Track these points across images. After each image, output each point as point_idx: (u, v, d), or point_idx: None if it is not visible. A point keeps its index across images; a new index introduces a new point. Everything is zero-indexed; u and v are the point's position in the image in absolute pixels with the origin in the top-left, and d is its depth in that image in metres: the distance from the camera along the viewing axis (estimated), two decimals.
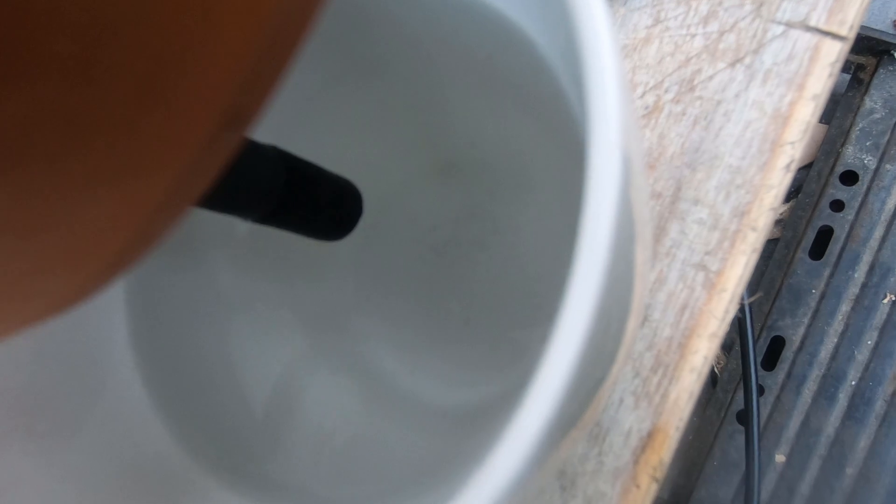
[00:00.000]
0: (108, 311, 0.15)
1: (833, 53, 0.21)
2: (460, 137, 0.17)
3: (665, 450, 0.21)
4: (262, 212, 0.13)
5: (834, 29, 0.21)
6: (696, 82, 0.22)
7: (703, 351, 0.21)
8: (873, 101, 0.76)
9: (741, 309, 0.75)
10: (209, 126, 0.07)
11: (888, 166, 0.74)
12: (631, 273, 0.12)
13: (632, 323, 0.12)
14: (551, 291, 0.19)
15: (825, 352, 0.78)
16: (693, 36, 0.23)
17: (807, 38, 0.21)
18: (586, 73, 0.08)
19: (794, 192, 0.84)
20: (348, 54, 0.15)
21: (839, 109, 0.79)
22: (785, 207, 0.83)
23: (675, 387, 0.21)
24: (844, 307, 0.78)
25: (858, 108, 0.76)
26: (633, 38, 0.23)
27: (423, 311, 0.20)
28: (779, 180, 0.21)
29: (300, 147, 0.14)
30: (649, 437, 0.21)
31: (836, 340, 0.77)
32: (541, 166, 0.18)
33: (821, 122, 0.84)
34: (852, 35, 0.21)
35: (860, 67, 0.79)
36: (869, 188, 0.75)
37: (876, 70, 0.76)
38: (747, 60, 0.22)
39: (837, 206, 0.76)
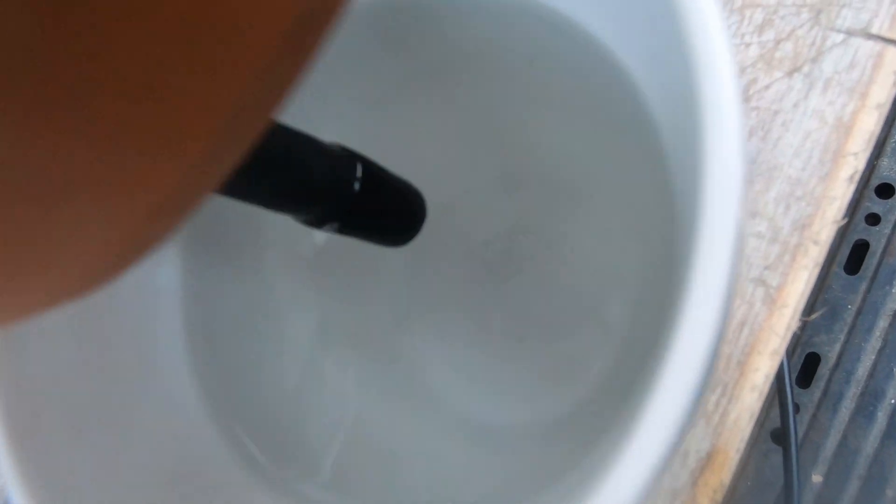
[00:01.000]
0: (165, 317, 0.15)
1: None
2: (522, 148, 0.16)
3: (725, 471, 0.20)
4: (342, 209, 0.12)
5: None
6: (751, 92, 0.22)
7: (765, 369, 0.20)
8: None
9: None
10: (239, 89, 0.07)
11: None
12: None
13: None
14: (605, 307, 0.19)
15: (863, 369, 0.77)
16: (748, 45, 0.22)
17: (869, 46, 0.21)
18: (705, 127, 0.08)
19: None
20: (414, 59, 0.15)
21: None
22: None
23: (736, 406, 0.20)
24: (882, 323, 0.76)
25: (894, 120, 0.75)
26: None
27: (475, 327, 0.20)
28: (842, 192, 0.20)
29: (362, 151, 0.13)
30: (708, 459, 0.21)
31: (873, 357, 0.75)
32: (602, 181, 0.17)
33: None
34: None
35: None
36: None
37: None
38: (806, 69, 0.21)
39: (873, 219, 0.75)
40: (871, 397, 0.76)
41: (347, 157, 0.12)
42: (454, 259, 0.20)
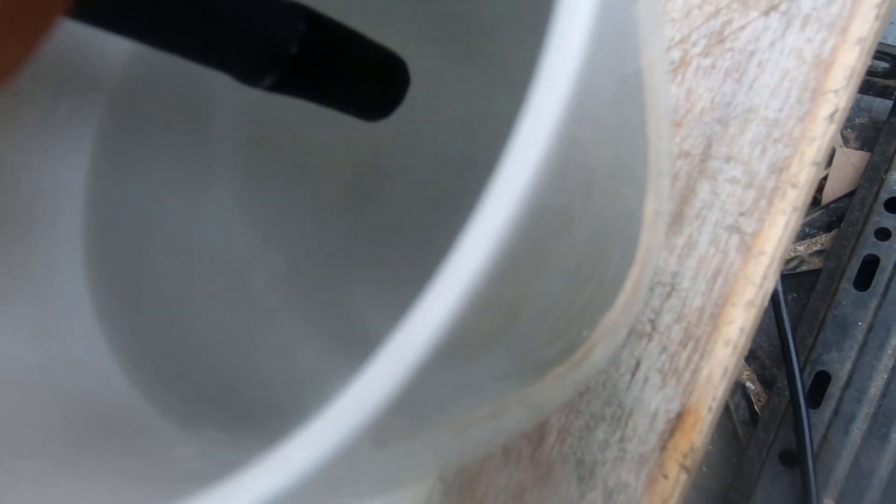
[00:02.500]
0: (66, 225, 0.13)
1: None
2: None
3: (696, 433, 0.18)
4: (277, 67, 0.11)
5: None
6: (726, 34, 0.21)
7: (739, 321, 0.19)
8: None
9: (785, 342, 0.71)
10: None
11: None
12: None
13: (645, 237, 0.10)
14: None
15: (875, 388, 0.74)
16: None
17: None
18: None
19: (836, 222, 0.80)
20: None
21: (882, 136, 0.76)
22: (827, 237, 0.80)
23: (708, 362, 0.19)
24: (894, 340, 0.73)
25: None
26: None
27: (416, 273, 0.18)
28: (822, 131, 0.19)
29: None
30: (678, 420, 0.19)
31: (886, 376, 0.72)
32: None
33: (863, 149, 0.81)
34: None
35: None
36: None
37: None
38: (783, 7, 0.20)
39: (883, 234, 0.73)
40: (884, 417, 0.72)
41: (290, 7, 0.11)
42: (402, 192, 0.19)
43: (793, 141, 0.19)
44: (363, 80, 0.13)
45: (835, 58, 0.19)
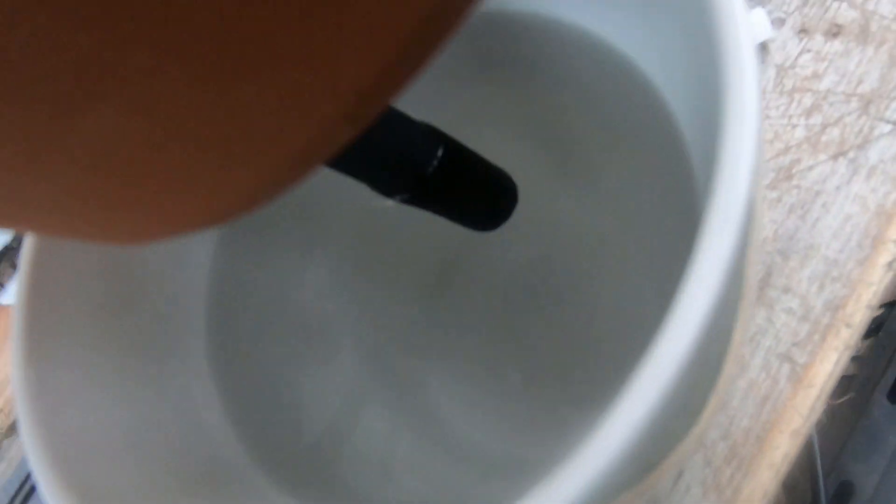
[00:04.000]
0: (191, 293, 0.15)
1: None
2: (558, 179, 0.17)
3: None
4: (414, 185, 0.13)
5: None
6: (794, 171, 0.22)
7: (784, 448, 0.20)
8: None
9: (810, 446, 0.70)
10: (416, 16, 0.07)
11: None
12: (733, 317, 0.11)
13: (728, 367, 0.12)
14: (621, 353, 0.18)
15: None
16: (794, 126, 0.23)
17: None
18: (725, 115, 0.08)
19: (874, 330, 0.79)
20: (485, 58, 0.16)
21: None
22: (865, 344, 0.79)
23: (750, 482, 0.20)
24: None
25: None
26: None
27: (487, 365, 0.20)
28: (879, 277, 0.20)
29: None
30: None
31: None
32: (635, 229, 0.17)
33: None
34: None
35: None
36: None
37: None
38: (851, 155, 0.21)
39: None
40: None
41: (432, 136, 0.13)
42: (479, 290, 0.20)
43: (850, 282, 0.20)
44: (482, 199, 0.14)
45: None
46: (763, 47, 0.24)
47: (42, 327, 0.12)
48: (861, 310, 0.20)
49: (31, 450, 0.11)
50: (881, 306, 0.82)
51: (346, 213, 0.18)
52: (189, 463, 0.13)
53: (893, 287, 0.72)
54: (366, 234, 0.19)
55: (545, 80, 0.15)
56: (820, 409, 0.20)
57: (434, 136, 0.13)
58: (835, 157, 0.22)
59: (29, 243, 0.12)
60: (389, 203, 0.14)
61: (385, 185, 0.13)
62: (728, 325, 0.09)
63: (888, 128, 0.21)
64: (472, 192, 0.14)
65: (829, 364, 0.20)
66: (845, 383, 0.79)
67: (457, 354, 0.20)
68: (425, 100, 0.13)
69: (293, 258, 0.17)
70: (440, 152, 0.13)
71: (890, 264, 0.20)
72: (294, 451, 0.15)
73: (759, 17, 0.23)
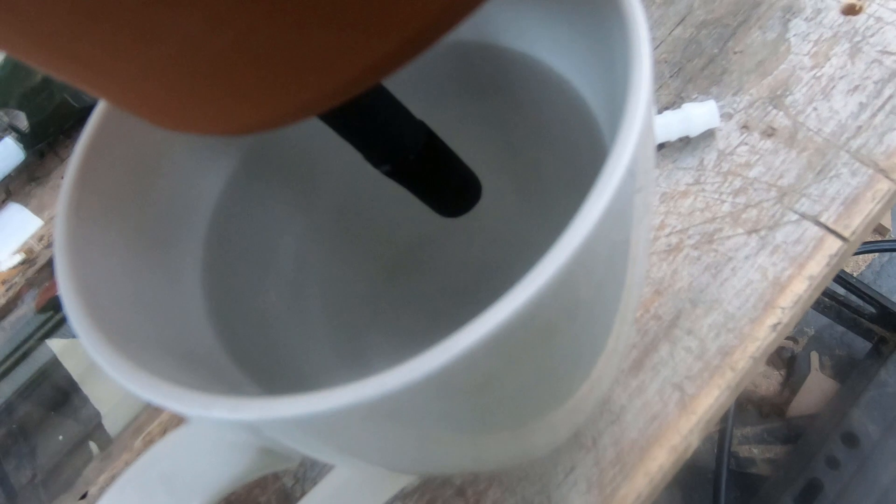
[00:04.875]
0: (195, 213, 0.18)
1: (834, 248, 0.25)
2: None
3: None
4: (397, 162, 0.16)
5: (839, 230, 0.25)
6: (715, 237, 0.26)
7: (660, 460, 0.23)
8: (889, 375, 0.78)
9: None
10: None
11: (891, 441, 0.74)
12: (624, 260, 0.14)
13: (625, 326, 0.15)
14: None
15: None
16: (723, 202, 0.27)
17: (815, 230, 0.25)
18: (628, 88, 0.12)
19: (794, 437, 0.84)
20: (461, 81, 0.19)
21: (855, 372, 0.80)
22: (782, 449, 0.83)
23: (627, 485, 0.23)
24: None
25: (873, 377, 0.78)
26: (673, 190, 0.28)
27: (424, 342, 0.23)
28: (764, 335, 0.24)
29: None
30: None
31: None
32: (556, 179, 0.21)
33: (836, 378, 0.86)
34: (854, 238, 0.25)
35: (882, 340, 0.81)
36: (868, 456, 0.75)
37: None
38: (762, 233, 0.26)
39: (833, 463, 0.76)
40: None
41: (421, 128, 0.16)
42: (431, 274, 0.24)
43: (741, 335, 0.24)
44: (450, 188, 0.18)
45: (789, 284, 0.24)
46: (711, 133, 0.28)
47: (85, 189, 0.15)
48: (745, 359, 0.24)
49: (62, 281, 0.14)
50: (803, 416, 0.86)
51: (336, 180, 0.21)
52: (173, 340, 0.16)
53: (819, 400, 0.76)
54: (348, 204, 0.22)
55: (495, 99, 0.20)
56: (697, 434, 0.23)
57: (423, 128, 0.17)
58: (749, 233, 0.26)
59: (93, 125, 0.16)
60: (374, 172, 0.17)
61: (375, 154, 0.16)
62: (623, 241, 0.13)
63: (795, 217, 0.26)
64: (443, 180, 0.18)
65: (711, 398, 0.23)
66: (758, 482, 0.82)
67: (401, 325, 0.23)
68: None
69: (286, 208, 0.21)
70: (424, 141, 0.17)
71: (775, 326, 0.24)
72: (262, 354, 0.18)
73: (711, 108, 0.28)
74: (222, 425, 0.13)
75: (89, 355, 0.13)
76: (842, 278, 0.75)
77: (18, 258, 0.41)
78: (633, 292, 0.16)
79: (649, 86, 0.11)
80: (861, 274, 0.92)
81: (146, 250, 0.17)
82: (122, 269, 0.15)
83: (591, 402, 0.21)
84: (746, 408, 0.87)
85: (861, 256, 0.92)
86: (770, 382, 0.87)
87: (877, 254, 0.91)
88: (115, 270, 0.15)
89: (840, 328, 0.83)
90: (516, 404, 0.14)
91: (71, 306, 0.13)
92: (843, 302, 0.79)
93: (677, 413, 0.24)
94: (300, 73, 0.10)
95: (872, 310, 0.79)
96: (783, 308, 0.24)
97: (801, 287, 0.24)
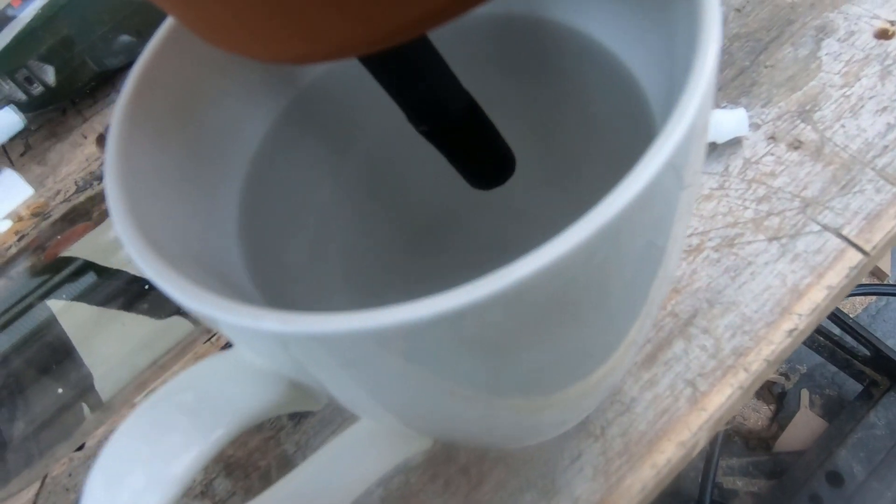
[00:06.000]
0: (234, 158, 0.18)
1: (854, 261, 0.25)
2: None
3: None
4: (436, 122, 0.16)
5: (861, 243, 0.25)
6: (736, 242, 0.26)
7: (668, 454, 0.23)
8: (878, 418, 0.78)
9: None
10: None
11: (875, 483, 0.74)
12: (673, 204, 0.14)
13: (665, 269, 0.15)
14: None
15: None
16: (746, 208, 0.27)
17: (836, 242, 0.25)
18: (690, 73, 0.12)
19: (778, 472, 0.83)
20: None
21: (844, 413, 0.81)
22: (766, 484, 0.83)
23: (633, 475, 0.23)
24: None
25: (862, 418, 0.78)
26: (698, 193, 0.28)
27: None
28: (779, 339, 0.24)
29: None
30: None
31: None
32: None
33: (824, 417, 0.86)
34: (875, 253, 0.25)
35: (874, 383, 0.81)
36: (852, 497, 0.74)
37: (888, 391, 0.78)
38: (783, 241, 0.26)
39: (816, 500, 0.76)
40: None
41: (464, 94, 0.16)
42: (457, 244, 0.24)
43: (757, 338, 0.24)
44: (485, 158, 0.18)
45: (807, 292, 0.25)
46: (737, 141, 0.29)
47: (137, 114, 0.15)
48: (759, 360, 0.24)
49: (112, 197, 0.14)
50: (790, 452, 0.86)
51: (370, 143, 0.22)
52: (212, 266, 0.16)
53: (807, 437, 0.76)
54: (379, 170, 0.22)
55: (539, 75, 0.20)
56: (707, 431, 0.23)
57: (466, 94, 0.17)
58: (770, 240, 0.26)
59: (145, 60, 0.16)
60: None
61: (416, 111, 0.16)
62: (663, 229, 0.13)
63: (817, 228, 0.26)
64: (479, 148, 0.18)
65: (723, 397, 0.23)
66: None
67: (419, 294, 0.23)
68: None
69: (319, 164, 0.21)
70: (466, 106, 0.17)
71: (791, 332, 0.24)
72: (285, 302, 0.18)
73: (741, 116, 0.28)
74: (261, 342, 0.13)
75: (142, 270, 0.13)
76: (838, 318, 0.76)
77: (6, 224, 0.41)
78: (660, 289, 0.16)
79: (711, 75, 0.11)
80: (857, 316, 0.92)
81: (192, 178, 0.17)
82: (168, 194, 0.15)
83: (604, 388, 0.21)
84: (733, 439, 0.87)
85: (858, 299, 0.93)
86: (759, 416, 0.87)
87: (874, 297, 0.91)
88: (162, 194, 0.15)
89: (832, 368, 0.84)
90: (529, 372, 0.14)
91: (122, 224, 0.13)
92: (837, 342, 0.80)
93: (688, 408, 0.24)
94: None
95: (866, 352, 0.79)
96: (800, 314, 0.24)
97: (819, 296, 0.24)
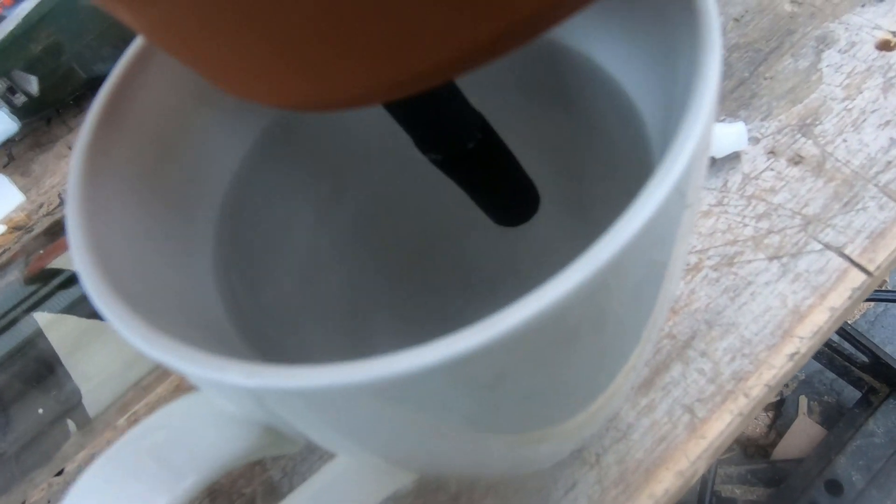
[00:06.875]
0: (212, 182, 0.18)
1: (857, 282, 0.24)
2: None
3: None
4: (449, 152, 0.15)
5: (864, 263, 0.24)
6: (735, 261, 0.26)
7: (666, 484, 0.22)
8: (877, 425, 0.77)
9: None
10: None
11: (874, 491, 0.73)
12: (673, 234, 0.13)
13: (661, 301, 0.14)
14: None
15: None
16: (745, 225, 0.26)
17: (839, 262, 0.24)
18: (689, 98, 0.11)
19: (777, 480, 0.83)
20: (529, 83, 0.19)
21: (843, 420, 0.80)
22: (765, 492, 0.82)
23: None
24: None
25: (861, 426, 0.78)
26: (699, 209, 0.27)
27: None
28: (781, 363, 0.23)
29: None
30: None
31: None
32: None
33: (823, 425, 0.85)
34: (878, 273, 0.24)
35: (872, 391, 0.81)
36: None
37: (887, 398, 0.78)
38: (784, 260, 0.25)
39: None
40: None
41: (478, 119, 0.15)
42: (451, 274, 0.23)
43: (757, 361, 0.23)
44: (505, 192, 0.16)
45: (809, 313, 0.24)
46: (736, 156, 0.28)
47: (102, 148, 0.14)
48: (760, 385, 0.23)
49: (73, 236, 0.13)
50: (788, 460, 0.85)
51: (359, 163, 0.21)
52: (183, 306, 0.15)
53: (806, 445, 0.76)
54: (369, 191, 0.21)
55: (543, 98, 0.19)
56: (706, 459, 0.22)
57: (482, 122, 0.15)
58: (770, 259, 0.25)
59: (112, 83, 0.15)
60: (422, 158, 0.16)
61: (427, 140, 0.15)
62: (663, 257, 0.12)
63: (819, 247, 0.25)
64: (497, 179, 0.16)
65: (722, 423, 0.23)
66: None
67: (415, 320, 0.22)
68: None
69: (302, 188, 0.20)
70: (479, 134, 0.15)
71: (792, 355, 0.23)
72: (270, 333, 0.17)
73: (740, 130, 0.27)
74: (231, 393, 0.12)
75: (100, 312, 0.12)
76: None
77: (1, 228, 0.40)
78: (662, 311, 0.15)
79: (713, 99, 0.11)
80: (856, 322, 0.91)
81: (161, 215, 0.16)
82: (135, 232, 0.15)
83: (602, 417, 0.20)
84: (731, 447, 0.86)
85: None
86: (757, 423, 0.87)
87: (873, 303, 0.91)
88: (128, 232, 0.14)
89: (831, 375, 0.83)
90: (526, 408, 0.13)
91: (82, 261, 0.12)
92: (836, 349, 0.79)
93: (686, 436, 0.23)
94: (393, 49, 0.09)
95: (865, 359, 0.78)
96: (801, 338, 0.23)
97: (821, 318, 0.24)
